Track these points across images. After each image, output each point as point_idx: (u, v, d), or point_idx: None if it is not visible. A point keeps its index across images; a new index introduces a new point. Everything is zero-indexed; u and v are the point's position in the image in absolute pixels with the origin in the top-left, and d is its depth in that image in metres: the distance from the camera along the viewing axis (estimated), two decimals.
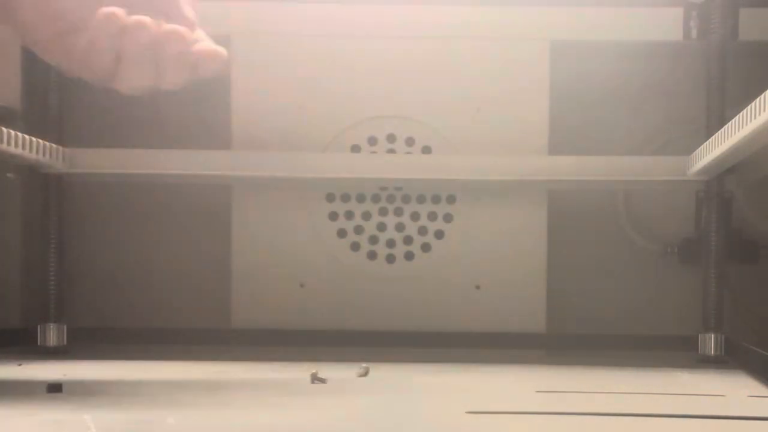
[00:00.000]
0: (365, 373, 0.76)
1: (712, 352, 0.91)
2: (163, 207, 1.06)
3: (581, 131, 1.04)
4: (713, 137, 0.81)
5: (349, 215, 1.00)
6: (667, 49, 1.02)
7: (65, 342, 0.95)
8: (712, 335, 0.91)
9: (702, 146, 0.85)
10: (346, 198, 1.00)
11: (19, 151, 0.81)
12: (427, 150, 0.98)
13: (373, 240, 1.00)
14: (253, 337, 0.97)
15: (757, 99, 0.66)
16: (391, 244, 1.00)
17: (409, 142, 0.99)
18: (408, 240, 1.00)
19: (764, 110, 0.65)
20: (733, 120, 0.73)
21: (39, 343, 0.94)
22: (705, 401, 0.65)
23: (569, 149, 0.98)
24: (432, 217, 1.00)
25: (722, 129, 0.77)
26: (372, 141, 0.98)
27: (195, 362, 0.85)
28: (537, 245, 0.98)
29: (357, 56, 0.98)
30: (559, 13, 0.97)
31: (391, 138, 0.99)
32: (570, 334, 1.00)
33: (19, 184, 0.99)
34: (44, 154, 0.86)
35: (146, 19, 0.68)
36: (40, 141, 0.86)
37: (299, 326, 0.98)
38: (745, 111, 0.69)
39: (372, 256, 1.00)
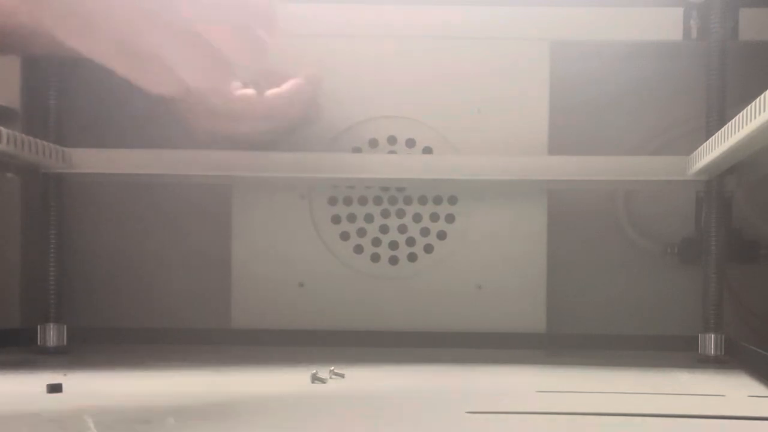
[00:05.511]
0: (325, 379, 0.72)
1: (712, 352, 0.91)
2: (163, 207, 1.06)
3: (581, 131, 1.04)
4: (713, 137, 0.80)
5: (352, 218, 1.00)
6: (666, 49, 1.02)
7: (65, 342, 0.95)
8: (712, 335, 0.91)
9: (702, 146, 0.85)
10: (348, 201, 1.00)
11: (18, 151, 0.81)
12: (427, 151, 0.98)
13: (376, 242, 1.00)
14: (253, 337, 0.97)
15: (757, 99, 0.66)
16: (393, 245, 1.00)
17: (410, 143, 0.99)
18: (410, 241, 1.00)
19: (764, 110, 0.65)
20: (733, 120, 0.73)
21: (39, 343, 0.94)
22: (705, 401, 0.65)
23: (569, 149, 0.98)
24: (434, 218, 1.00)
25: (722, 129, 0.77)
26: (373, 143, 0.98)
27: (195, 362, 0.85)
28: (537, 245, 0.98)
29: (357, 57, 0.98)
30: (559, 13, 0.97)
31: (391, 140, 0.98)
32: (570, 334, 1.00)
33: (19, 184, 0.99)
34: (44, 154, 0.86)
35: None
36: (40, 141, 0.86)
37: (300, 327, 0.98)
38: (745, 111, 0.69)
39: (375, 258, 1.00)
